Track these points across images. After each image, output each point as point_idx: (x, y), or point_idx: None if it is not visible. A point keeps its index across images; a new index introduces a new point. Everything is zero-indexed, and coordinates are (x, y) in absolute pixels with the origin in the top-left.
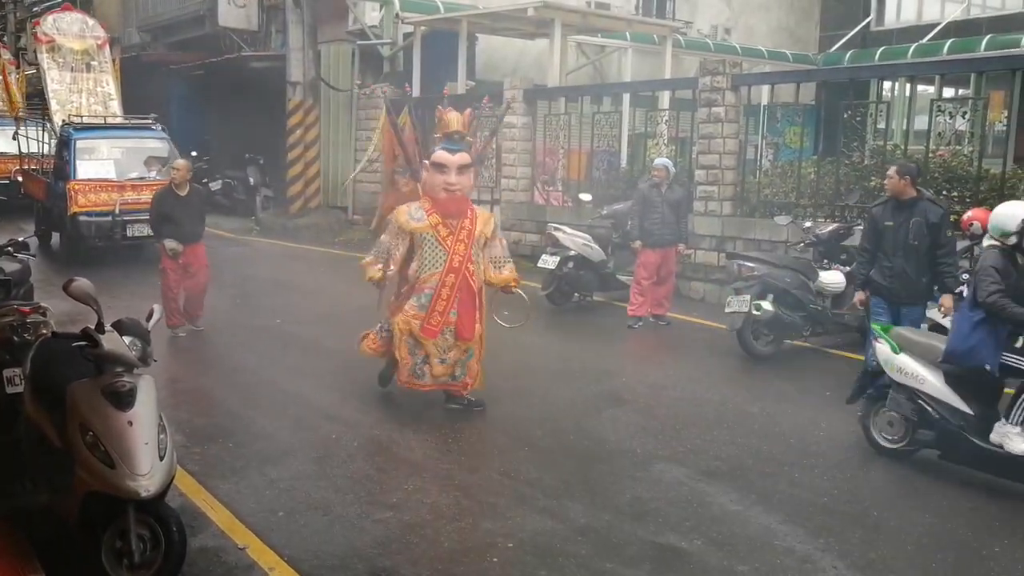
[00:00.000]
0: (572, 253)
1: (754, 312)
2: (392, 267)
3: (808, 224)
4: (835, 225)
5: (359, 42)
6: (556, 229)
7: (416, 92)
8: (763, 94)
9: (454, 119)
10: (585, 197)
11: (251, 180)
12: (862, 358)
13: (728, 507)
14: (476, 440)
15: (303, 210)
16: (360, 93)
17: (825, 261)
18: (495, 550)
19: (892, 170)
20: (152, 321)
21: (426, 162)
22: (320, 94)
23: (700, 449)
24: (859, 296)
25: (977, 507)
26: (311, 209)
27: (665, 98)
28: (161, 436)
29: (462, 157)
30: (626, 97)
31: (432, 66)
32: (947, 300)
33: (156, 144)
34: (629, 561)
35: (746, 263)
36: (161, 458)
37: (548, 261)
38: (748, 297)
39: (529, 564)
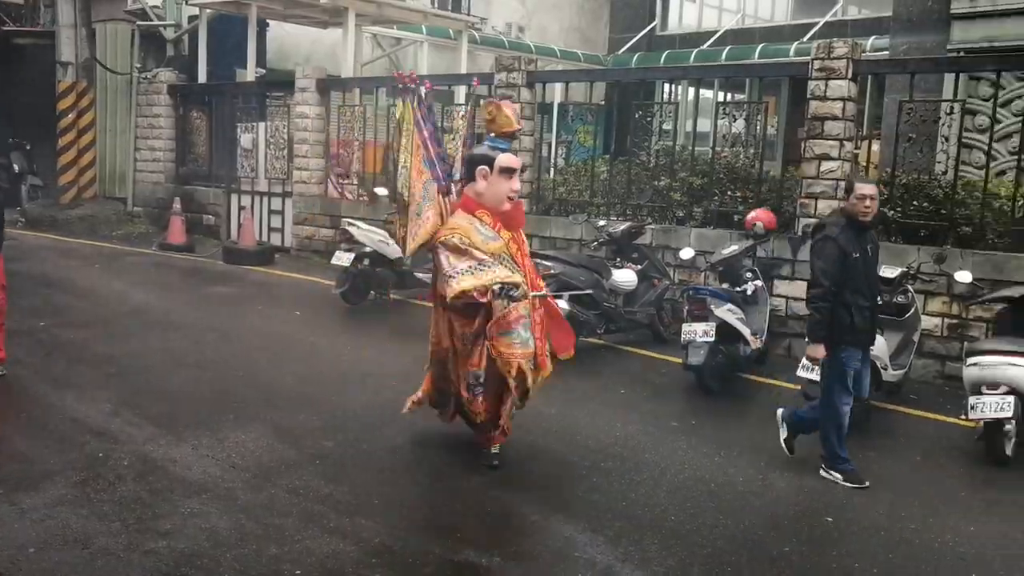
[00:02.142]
0: (367, 249)
1: None
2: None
3: (602, 223)
4: (628, 224)
5: (139, 23)
6: (351, 224)
7: (203, 79)
8: (556, 93)
9: (513, 115)
10: (381, 191)
11: (15, 167)
12: (654, 355)
13: (528, 518)
14: (261, 454)
15: (77, 201)
16: (141, 77)
17: (618, 260)
18: None
19: (872, 189)
20: None
21: (484, 168)
22: (96, 76)
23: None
24: (820, 352)
25: (767, 506)
26: (86, 200)
27: (461, 93)
28: None
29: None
30: (422, 91)
31: (220, 52)
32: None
33: None
34: None
35: (543, 262)
36: None
37: (342, 258)
38: None
39: None
